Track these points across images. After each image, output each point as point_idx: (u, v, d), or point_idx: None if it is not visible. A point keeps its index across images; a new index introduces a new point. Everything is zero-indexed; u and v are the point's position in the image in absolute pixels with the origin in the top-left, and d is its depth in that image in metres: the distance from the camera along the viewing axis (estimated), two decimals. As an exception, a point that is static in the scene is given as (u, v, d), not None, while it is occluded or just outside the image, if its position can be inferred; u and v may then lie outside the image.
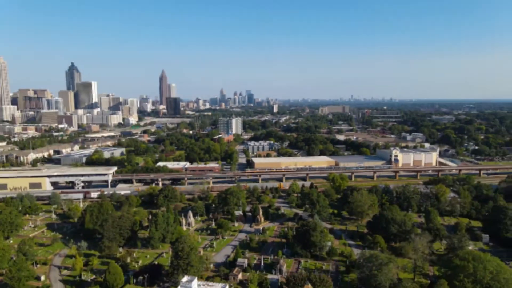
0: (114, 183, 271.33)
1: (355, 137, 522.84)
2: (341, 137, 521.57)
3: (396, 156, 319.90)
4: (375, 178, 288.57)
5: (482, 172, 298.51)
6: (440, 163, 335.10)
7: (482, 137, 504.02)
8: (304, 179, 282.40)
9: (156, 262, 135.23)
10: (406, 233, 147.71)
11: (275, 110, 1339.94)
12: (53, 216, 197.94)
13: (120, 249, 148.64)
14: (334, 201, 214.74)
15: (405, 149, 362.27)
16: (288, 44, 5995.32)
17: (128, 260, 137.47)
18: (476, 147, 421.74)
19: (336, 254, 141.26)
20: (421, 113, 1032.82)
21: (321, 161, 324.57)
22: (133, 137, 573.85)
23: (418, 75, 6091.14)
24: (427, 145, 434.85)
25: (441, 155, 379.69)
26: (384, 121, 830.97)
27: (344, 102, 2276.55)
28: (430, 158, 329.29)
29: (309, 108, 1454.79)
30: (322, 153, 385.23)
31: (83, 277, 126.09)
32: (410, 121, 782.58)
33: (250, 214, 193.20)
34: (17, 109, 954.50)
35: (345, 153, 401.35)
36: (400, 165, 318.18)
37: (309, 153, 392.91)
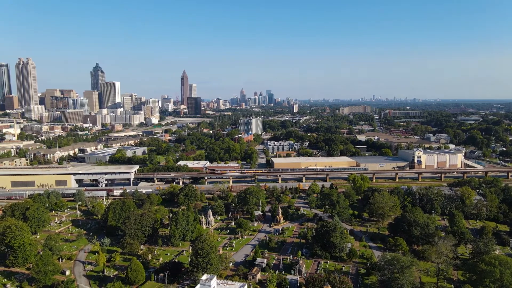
0: (136, 182, 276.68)
1: (376, 138, 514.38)
2: (362, 138, 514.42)
3: (419, 157, 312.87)
4: (397, 180, 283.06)
5: (510, 174, 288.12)
6: (466, 165, 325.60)
7: (511, 138, 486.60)
8: (324, 179, 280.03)
9: (176, 260, 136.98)
10: (429, 236, 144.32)
11: (295, 110, 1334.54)
12: (78, 212, 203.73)
13: (142, 246, 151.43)
14: (354, 202, 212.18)
15: (429, 150, 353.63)
16: (308, 44, 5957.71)
17: (149, 257, 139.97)
18: (504, 149, 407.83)
19: (356, 256, 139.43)
20: (445, 113, 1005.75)
21: (341, 162, 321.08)
22: (155, 136, 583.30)
23: (443, 74, 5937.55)
24: (452, 146, 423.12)
25: (466, 156, 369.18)
26: (407, 122, 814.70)
27: (366, 102, 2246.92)
28: (455, 159, 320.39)
29: (330, 108, 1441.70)
30: (342, 153, 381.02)
31: (106, 273, 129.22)
32: (434, 122, 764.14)
33: (269, 214, 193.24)
34: (45, 108, 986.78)
35: (366, 154, 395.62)
36: (423, 166, 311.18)
37: (329, 154, 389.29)
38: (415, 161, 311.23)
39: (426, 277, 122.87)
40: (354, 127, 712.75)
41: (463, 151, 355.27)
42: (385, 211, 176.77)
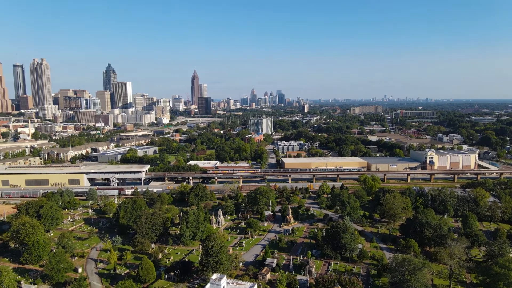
0: (147, 181, 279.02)
1: (387, 138, 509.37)
2: (373, 138, 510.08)
3: (432, 157, 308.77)
4: (408, 180, 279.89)
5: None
6: (480, 166, 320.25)
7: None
8: (334, 180, 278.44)
9: (186, 259, 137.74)
10: (442, 237, 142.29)
11: (305, 110, 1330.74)
12: (90, 211, 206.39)
13: (152, 245, 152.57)
14: (365, 203, 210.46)
15: (441, 151, 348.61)
16: (320, 45, 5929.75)
17: (160, 256, 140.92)
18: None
19: (367, 257, 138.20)
20: (459, 113, 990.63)
21: (352, 162, 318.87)
22: (166, 136, 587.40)
23: (457, 74, 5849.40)
24: (465, 147, 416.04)
25: (480, 157, 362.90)
26: (419, 122, 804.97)
27: (377, 102, 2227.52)
28: (468, 160, 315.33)
29: (341, 108, 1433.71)
30: (353, 153, 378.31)
31: (117, 271, 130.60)
32: (447, 122, 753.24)
33: (279, 214, 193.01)
34: (58, 108, 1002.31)
35: (377, 154, 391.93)
36: (435, 167, 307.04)
37: (340, 154, 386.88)
38: (428, 161, 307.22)
39: (439, 279, 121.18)
40: (365, 127, 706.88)
41: (477, 152, 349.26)
42: (396, 212, 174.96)
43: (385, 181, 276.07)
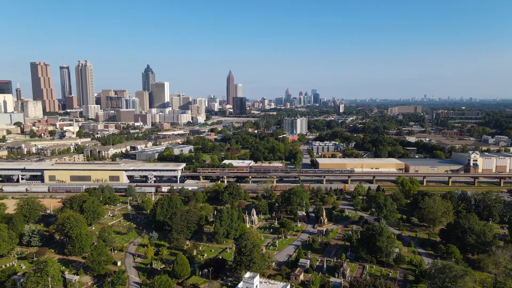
0: (183, 179, 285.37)
1: (427, 139, 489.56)
2: (412, 139, 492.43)
3: (476, 160, 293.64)
4: (450, 184, 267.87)
5: None
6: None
7: None
8: (370, 181, 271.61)
9: (220, 257, 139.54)
10: (486, 244, 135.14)
11: (341, 110, 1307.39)
12: (129, 207, 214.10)
13: (187, 242, 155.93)
14: (403, 206, 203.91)
15: (487, 153, 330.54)
16: (355, 43, 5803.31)
17: (194, 252, 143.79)
18: None
19: (404, 262, 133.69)
20: (506, 113, 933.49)
21: (389, 164, 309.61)
22: (201, 135, 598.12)
23: (504, 72, 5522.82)
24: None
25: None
26: (462, 123, 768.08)
27: (417, 102, 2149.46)
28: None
29: (378, 109, 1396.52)
30: (390, 155, 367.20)
31: (153, 266, 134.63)
32: (493, 123, 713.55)
33: (313, 214, 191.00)
34: (100, 108, 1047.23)
35: (416, 156, 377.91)
36: (480, 170, 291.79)
37: (377, 155, 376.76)
38: (471, 164, 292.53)
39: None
40: (403, 128, 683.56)
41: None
42: (436, 216, 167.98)
43: (424, 184, 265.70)
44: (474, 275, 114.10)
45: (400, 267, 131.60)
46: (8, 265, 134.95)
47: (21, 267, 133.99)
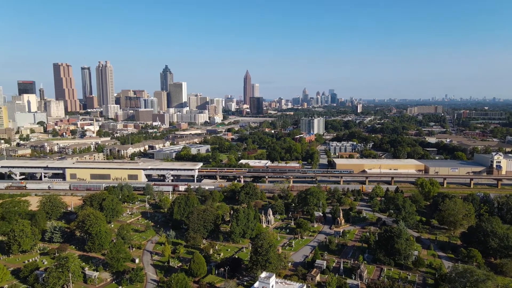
0: (200, 178, 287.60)
1: (448, 140, 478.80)
2: (432, 140, 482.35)
3: (499, 162, 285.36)
4: (471, 186, 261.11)
5: None
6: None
7: None
8: (388, 182, 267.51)
9: (236, 256, 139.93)
10: (509, 248, 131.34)
11: (359, 110, 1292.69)
12: (147, 205, 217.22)
13: (204, 241, 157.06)
14: (422, 208, 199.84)
15: (510, 155, 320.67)
16: (373, 43, 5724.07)
17: (211, 251, 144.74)
18: None
19: (424, 265, 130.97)
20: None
21: (408, 165, 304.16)
22: (218, 135, 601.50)
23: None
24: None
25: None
26: (485, 123, 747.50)
27: (437, 102, 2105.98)
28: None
29: (396, 109, 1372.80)
30: (409, 156, 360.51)
31: (170, 263, 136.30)
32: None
33: (330, 215, 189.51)
34: (120, 108, 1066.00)
35: (436, 157, 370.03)
36: (503, 172, 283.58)
37: (395, 156, 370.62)
38: (494, 166, 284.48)
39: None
40: (423, 129, 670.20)
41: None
42: (457, 219, 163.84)
43: (445, 185, 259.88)
44: (496, 280, 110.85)
45: (419, 270, 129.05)
46: (30, 260, 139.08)
47: (43, 263, 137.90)
